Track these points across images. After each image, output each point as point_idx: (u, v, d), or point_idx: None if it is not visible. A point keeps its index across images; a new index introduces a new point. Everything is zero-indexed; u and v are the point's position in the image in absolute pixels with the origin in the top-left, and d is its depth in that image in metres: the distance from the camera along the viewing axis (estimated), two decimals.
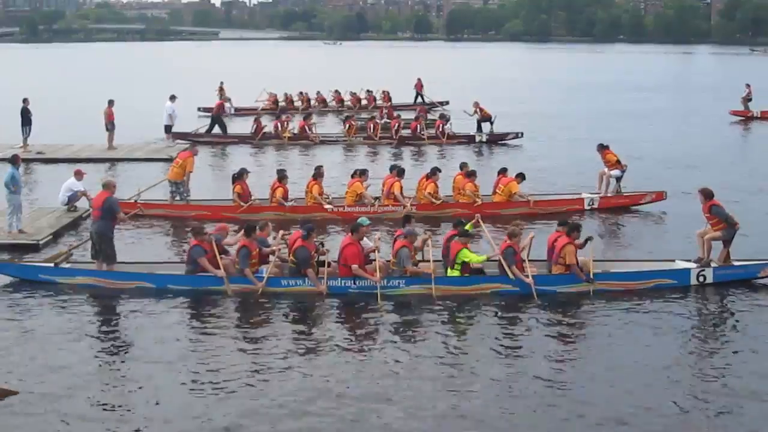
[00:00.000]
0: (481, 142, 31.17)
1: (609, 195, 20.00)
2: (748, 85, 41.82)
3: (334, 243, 15.07)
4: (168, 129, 30.81)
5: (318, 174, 19.20)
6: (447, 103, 42.99)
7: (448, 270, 13.59)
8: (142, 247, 16.37)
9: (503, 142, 31.34)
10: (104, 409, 9.40)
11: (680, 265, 14.16)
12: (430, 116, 35.36)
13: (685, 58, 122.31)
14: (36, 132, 27.97)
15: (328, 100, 43.17)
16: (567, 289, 13.36)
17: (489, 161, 27.13)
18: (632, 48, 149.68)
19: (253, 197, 18.85)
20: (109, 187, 14.34)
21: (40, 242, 16.24)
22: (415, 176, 20.61)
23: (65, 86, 59.96)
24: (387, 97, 42.13)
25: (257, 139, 30.76)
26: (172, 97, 31.02)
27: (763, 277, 13.88)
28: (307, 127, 31.12)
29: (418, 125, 31.01)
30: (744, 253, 14.55)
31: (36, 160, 26.27)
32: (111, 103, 28.66)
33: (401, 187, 19.15)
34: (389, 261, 13.76)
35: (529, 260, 13.61)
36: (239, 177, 18.86)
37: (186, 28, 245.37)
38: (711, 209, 14.16)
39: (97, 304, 13.05)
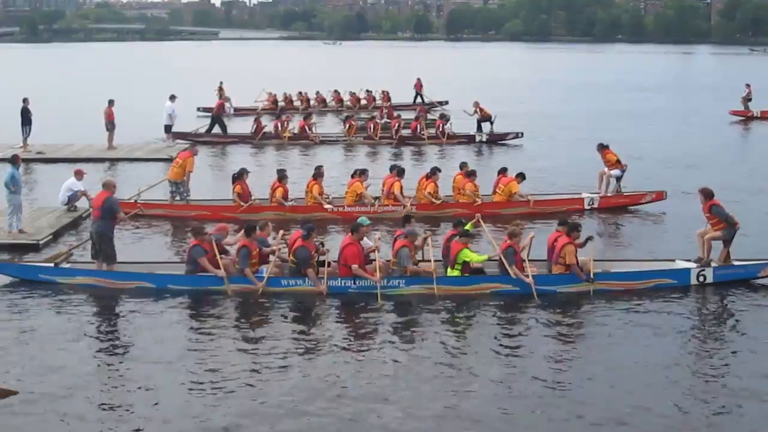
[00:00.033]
0: (481, 142, 31.17)
1: (609, 195, 20.00)
2: (748, 85, 41.83)
3: (334, 243, 15.06)
4: (168, 129, 30.79)
5: (318, 174, 19.20)
6: (446, 102, 43.01)
7: (448, 270, 13.59)
8: (142, 247, 16.37)
9: (503, 142, 31.34)
10: (104, 409, 9.40)
11: (680, 264, 14.16)
12: (430, 116, 35.36)
13: (685, 58, 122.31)
14: (36, 132, 27.97)
15: (327, 100, 43.19)
16: (567, 289, 13.36)
17: (489, 161, 27.13)
18: (632, 48, 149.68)
19: (253, 197, 18.84)
20: (109, 187, 14.34)
21: (40, 242, 16.24)
22: (415, 176, 20.60)
23: (65, 86, 59.97)
24: (386, 97, 42.13)
25: (257, 139, 30.76)
26: (172, 97, 31.00)
27: (763, 277, 13.87)
28: (307, 127, 31.12)
29: (418, 125, 31.01)
30: (744, 253, 14.55)
31: (36, 160, 26.27)
32: (111, 102, 28.67)
33: (401, 187, 19.15)
34: (389, 261, 13.76)
35: (529, 260, 13.61)
36: (239, 177, 18.86)
37: (186, 28, 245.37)
38: (711, 209, 14.16)
39: (97, 304, 13.04)
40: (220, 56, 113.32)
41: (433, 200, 19.07)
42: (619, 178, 20.14)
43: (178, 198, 19.15)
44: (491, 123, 32.34)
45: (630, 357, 10.92)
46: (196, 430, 8.99)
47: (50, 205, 19.14)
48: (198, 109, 38.97)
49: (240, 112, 39.06)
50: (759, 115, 39.74)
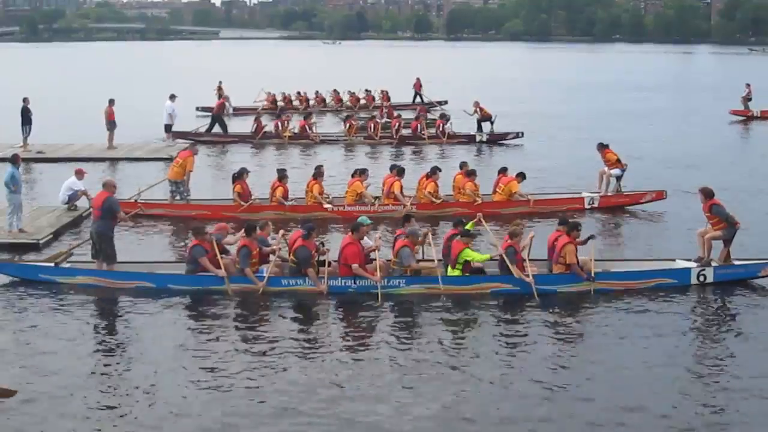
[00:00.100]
0: (481, 141, 31.17)
1: (609, 194, 20.00)
2: (748, 85, 41.84)
3: (335, 242, 15.06)
4: (168, 128, 30.80)
5: (318, 173, 19.20)
6: (446, 102, 42.98)
7: (449, 269, 13.59)
8: (142, 247, 16.37)
9: (503, 141, 31.33)
10: (104, 409, 9.40)
11: (681, 264, 14.16)
12: (430, 116, 35.36)
13: (685, 57, 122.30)
14: (36, 131, 27.95)
15: (327, 100, 43.17)
16: (567, 288, 13.35)
17: (489, 161, 27.13)
18: (632, 48, 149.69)
19: (253, 197, 18.84)
20: (109, 186, 14.33)
21: (41, 241, 16.24)
22: (416, 176, 20.60)
23: (65, 85, 59.96)
24: (386, 96, 42.13)
25: (257, 139, 30.76)
26: (172, 97, 31.02)
27: (763, 277, 13.86)
28: (307, 127, 31.12)
29: (419, 125, 31.02)
30: (744, 253, 14.55)
31: (36, 160, 26.26)
32: (111, 102, 28.67)
33: (401, 187, 19.14)
34: (389, 260, 13.75)
35: (529, 259, 13.60)
36: (239, 176, 18.85)
37: (186, 28, 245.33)
38: (711, 208, 14.16)
39: (98, 303, 13.04)
40: (220, 56, 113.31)
41: (433, 200, 19.07)
42: (619, 178, 20.14)
43: (178, 197, 19.14)
44: (491, 123, 32.34)
45: (630, 357, 10.92)
46: (196, 429, 8.98)
47: (50, 204, 19.14)
48: (197, 108, 38.97)
49: (239, 111, 39.06)
50: (759, 115, 39.75)
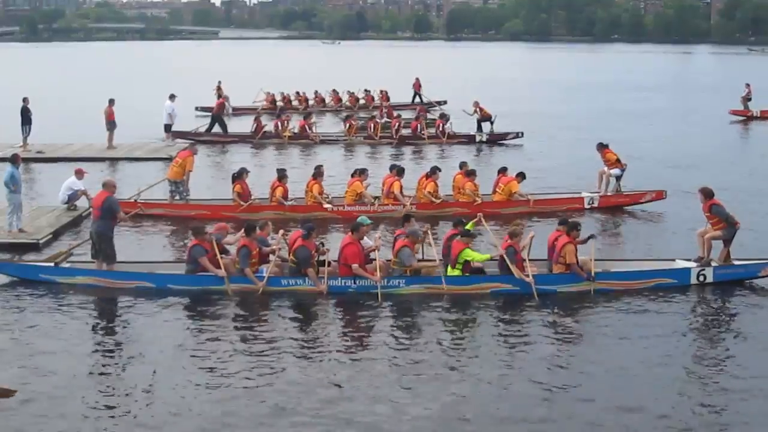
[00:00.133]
0: (481, 141, 31.16)
1: (609, 194, 20.00)
2: (747, 85, 41.84)
3: (335, 242, 15.05)
4: (168, 128, 30.81)
5: (318, 173, 19.20)
6: (445, 102, 42.98)
7: (449, 269, 13.58)
8: (142, 247, 16.37)
9: (503, 141, 31.32)
10: (103, 409, 9.39)
11: (680, 264, 14.16)
12: (430, 116, 35.36)
13: (684, 57, 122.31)
14: (36, 131, 27.96)
15: (326, 101, 43.17)
16: (567, 288, 13.35)
17: (489, 161, 27.12)
18: (632, 47, 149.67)
19: (253, 197, 18.84)
20: (109, 186, 14.33)
21: (40, 241, 16.24)
22: (415, 176, 20.59)
23: (65, 85, 59.95)
24: (385, 96, 42.17)
25: (257, 139, 30.76)
26: (172, 97, 31.03)
27: (763, 277, 13.86)
28: (307, 127, 31.12)
29: (419, 125, 31.03)
30: (744, 253, 14.55)
31: (36, 160, 26.25)
32: (111, 102, 28.67)
33: (401, 187, 19.14)
34: (389, 260, 13.75)
35: (529, 259, 13.60)
36: (239, 176, 18.85)
37: (186, 28, 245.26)
38: (711, 208, 14.15)
39: (97, 303, 13.04)
40: (220, 56, 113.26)
41: (433, 199, 19.07)
42: (618, 178, 20.15)
43: (177, 197, 19.14)
44: (491, 123, 32.35)
45: (630, 357, 10.92)
46: (195, 429, 8.98)
47: (50, 204, 19.15)
48: (196, 108, 38.97)
49: (238, 111, 39.03)
50: (759, 115, 39.74)
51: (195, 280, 13.45)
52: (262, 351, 11.06)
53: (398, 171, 19.52)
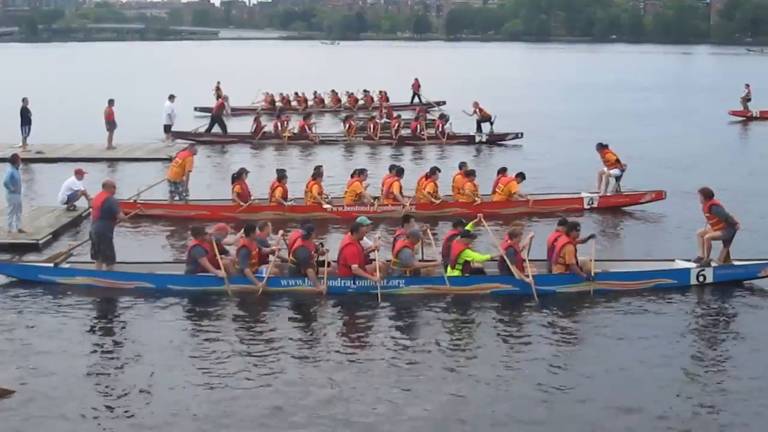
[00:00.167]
0: (480, 142, 31.16)
1: (608, 194, 20.00)
2: (747, 85, 41.86)
3: (334, 243, 15.05)
4: (167, 128, 30.80)
5: (317, 174, 19.20)
6: (444, 103, 42.99)
7: (449, 269, 13.58)
8: (141, 247, 16.36)
9: (503, 142, 31.31)
10: (102, 409, 9.38)
11: (680, 264, 14.16)
12: (429, 116, 35.36)
13: (684, 58, 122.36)
14: (35, 131, 27.96)
15: (325, 101, 43.17)
16: (567, 288, 13.35)
17: (489, 161, 27.12)
18: (631, 48, 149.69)
19: (252, 197, 18.83)
20: (108, 187, 14.32)
21: (40, 242, 16.23)
22: (415, 176, 20.60)
23: (65, 86, 59.92)
24: (384, 97, 42.19)
25: (257, 139, 30.76)
26: (171, 97, 31.02)
27: (763, 277, 13.86)
28: (306, 127, 31.12)
29: (418, 125, 31.02)
30: (744, 253, 14.54)
31: (35, 160, 26.25)
32: (111, 102, 28.68)
33: (400, 187, 19.15)
34: (389, 261, 13.75)
35: (529, 260, 13.60)
36: (238, 177, 18.84)
37: (185, 28, 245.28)
38: (711, 209, 14.16)
39: (97, 304, 13.03)
40: (220, 56, 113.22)
41: (433, 200, 19.08)
42: (618, 178, 20.14)
43: (177, 198, 19.13)
44: (491, 123, 32.35)
45: (629, 357, 10.91)
46: (194, 429, 8.98)
47: (50, 204, 19.14)
48: (195, 108, 38.97)
49: (237, 112, 39.01)
50: (758, 115, 39.76)
51: (195, 280, 13.45)
52: (262, 351, 11.05)
53: (398, 171, 19.53)
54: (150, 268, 13.99)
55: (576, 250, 13.51)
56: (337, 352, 11.08)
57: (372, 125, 31.24)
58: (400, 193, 19.05)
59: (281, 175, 19.02)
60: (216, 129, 32.11)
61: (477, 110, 32.88)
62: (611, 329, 11.98)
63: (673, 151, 29.22)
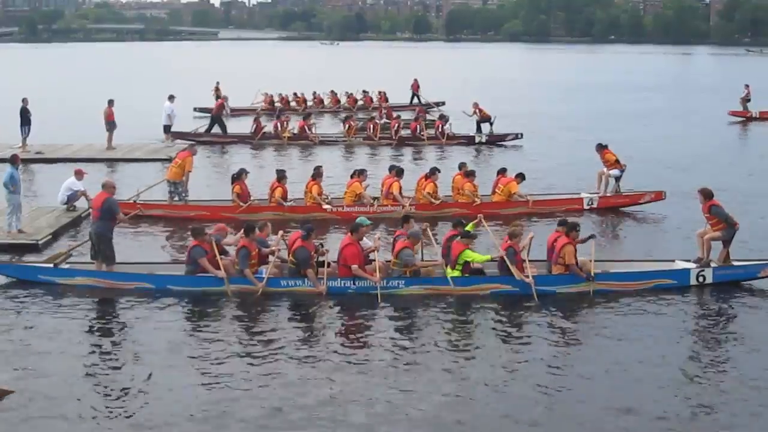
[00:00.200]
0: (480, 142, 31.16)
1: (608, 195, 20.00)
2: (746, 86, 41.87)
3: (334, 243, 15.05)
4: (167, 129, 30.81)
5: (317, 174, 19.19)
6: (443, 103, 42.99)
7: (449, 270, 13.58)
8: (141, 248, 16.36)
9: (502, 142, 31.31)
10: (101, 410, 9.38)
11: (680, 265, 14.15)
12: (429, 117, 35.36)
13: (684, 58, 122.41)
14: (35, 132, 27.97)
15: (325, 102, 43.18)
16: (567, 289, 13.35)
17: (488, 162, 27.13)
18: (631, 48, 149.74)
19: (252, 197, 18.83)
20: (108, 188, 14.32)
21: (40, 242, 16.23)
22: (415, 176, 20.61)
23: (64, 86, 59.93)
24: (383, 97, 42.18)
25: (257, 139, 30.75)
26: (171, 97, 31.03)
27: (762, 278, 13.86)
28: (306, 128, 31.11)
29: (418, 126, 31.02)
30: (743, 254, 14.55)
31: (35, 160, 26.25)
32: (111, 103, 28.68)
33: (400, 187, 19.15)
34: (389, 261, 13.75)
35: (529, 260, 13.59)
36: (238, 177, 18.84)
37: (185, 28, 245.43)
38: (710, 209, 14.16)
39: (97, 304, 13.02)
40: (219, 56, 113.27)
41: (432, 200, 19.08)
42: (618, 178, 20.14)
43: (176, 198, 19.13)
44: (491, 124, 32.37)
45: (629, 357, 10.91)
46: (194, 430, 8.98)
47: (49, 205, 19.14)
48: (194, 109, 38.97)
49: (236, 112, 39.00)
50: (758, 116, 39.78)
51: (194, 281, 13.45)
52: (261, 352, 11.05)
53: (397, 172, 19.54)
54: (150, 269, 13.99)
55: (576, 250, 13.51)
56: (337, 352, 11.07)
57: (372, 126, 31.23)
58: (400, 193, 19.05)
59: (281, 176, 19.02)
60: (216, 129, 32.11)
61: (477, 111, 32.91)
62: (611, 329, 11.98)
63: (672, 152, 29.23)
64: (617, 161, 20.23)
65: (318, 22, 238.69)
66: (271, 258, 13.83)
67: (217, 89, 41.29)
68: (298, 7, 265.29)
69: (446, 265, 13.66)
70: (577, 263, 13.39)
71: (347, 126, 31.48)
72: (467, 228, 14.17)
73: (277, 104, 40.45)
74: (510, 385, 10.10)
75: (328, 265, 13.57)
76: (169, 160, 23.12)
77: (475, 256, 13.56)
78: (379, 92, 42.87)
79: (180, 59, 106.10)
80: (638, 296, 13.23)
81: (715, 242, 14.20)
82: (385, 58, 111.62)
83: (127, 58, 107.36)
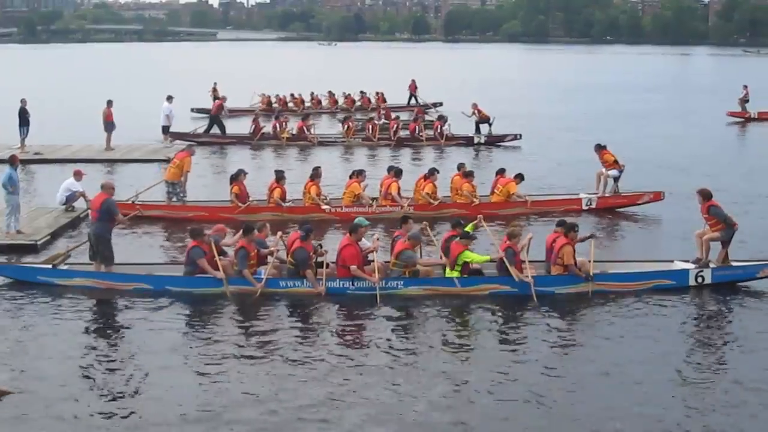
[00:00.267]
0: (479, 143, 31.17)
1: (607, 195, 20.01)
2: (745, 87, 41.92)
3: (333, 244, 15.04)
4: (165, 130, 30.79)
5: (316, 175, 19.20)
6: (440, 104, 42.99)
7: (447, 270, 13.58)
8: (140, 249, 16.34)
9: (501, 143, 31.31)
10: (100, 410, 9.36)
11: (679, 265, 14.15)
12: (428, 117, 35.37)
13: (682, 59, 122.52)
14: (34, 132, 27.97)
15: (323, 102, 43.18)
16: (566, 289, 13.35)
17: (487, 162, 27.14)
18: (630, 49, 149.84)
19: (250, 198, 18.82)
20: (107, 188, 14.31)
21: (39, 242, 16.22)
22: (413, 177, 20.61)
23: (63, 87, 59.91)
24: (381, 98, 42.18)
25: (255, 140, 30.74)
26: (169, 98, 31.02)
27: (761, 278, 13.86)
28: (305, 128, 31.11)
29: (417, 126, 31.03)
30: (742, 254, 14.55)
31: (34, 161, 26.23)
32: (110, 103, 28.67)
33: (399, 188, 19.14)
34: (388, 262, 13.74)
35: (527, 261, 13.59)
36: (236, 178, 18.83)
37: (184, 29, 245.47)
38: (709, 210, 14.17)
39: (95, 305, 13.01)
40: (218, 57, 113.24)
41: (431, 201, 19.08)
42: (616, 179, 20.15)
43: (174, 199, 19.12)
44: (489, 125, 32.38)
45: (628, 358, 10.91)
46: (193, 430, 8.97)
47: (48, 205, 19.13)
48: (192, 110, 38.94)
49: (234, 113, 38.94)
50: (756, 116, 39.83)
51: (193, 281, 13.44)
52: (260, 353, 11.04)
53: (396, 172, 19.54)
54: (148, 270, 13.98)
55: (574, 250, 13.51)
56: (335, 353, 11.06)
57: (370, 126, 31.24)
58: (399, 194, 19.04)
59: (280, 176, 19.02)
60: (215, 130, 32.11)
61: (475, 111, 32.93)
62: (610, 330, 11.98)
63: (671, 152, 29.25)
64: (616, 162, 20.24)
65: (316, 23, 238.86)
66: (269, 259, 13.81)
67: (214, 90, 41.28)
68: (297, 8, 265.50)
69: (445, 266, 13.65)
70: (575, 263, 13.39)
71: (346, 127, 31.48)
72: (466, 228, 14.16)
73: (275, 105, 40.45)
74: (508, 385, 10.09)
75: (327, 265, 13.57)
76: (168, 160, 23.09)
77: (474, 257, 13.55)
78: (377, 93, 42.88)
79: (178, 60, 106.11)
80: (637, 297, 13.23)
81: (713, 243, 14.20)
82: (383, 58, 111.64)
83: (126, 59, 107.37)
